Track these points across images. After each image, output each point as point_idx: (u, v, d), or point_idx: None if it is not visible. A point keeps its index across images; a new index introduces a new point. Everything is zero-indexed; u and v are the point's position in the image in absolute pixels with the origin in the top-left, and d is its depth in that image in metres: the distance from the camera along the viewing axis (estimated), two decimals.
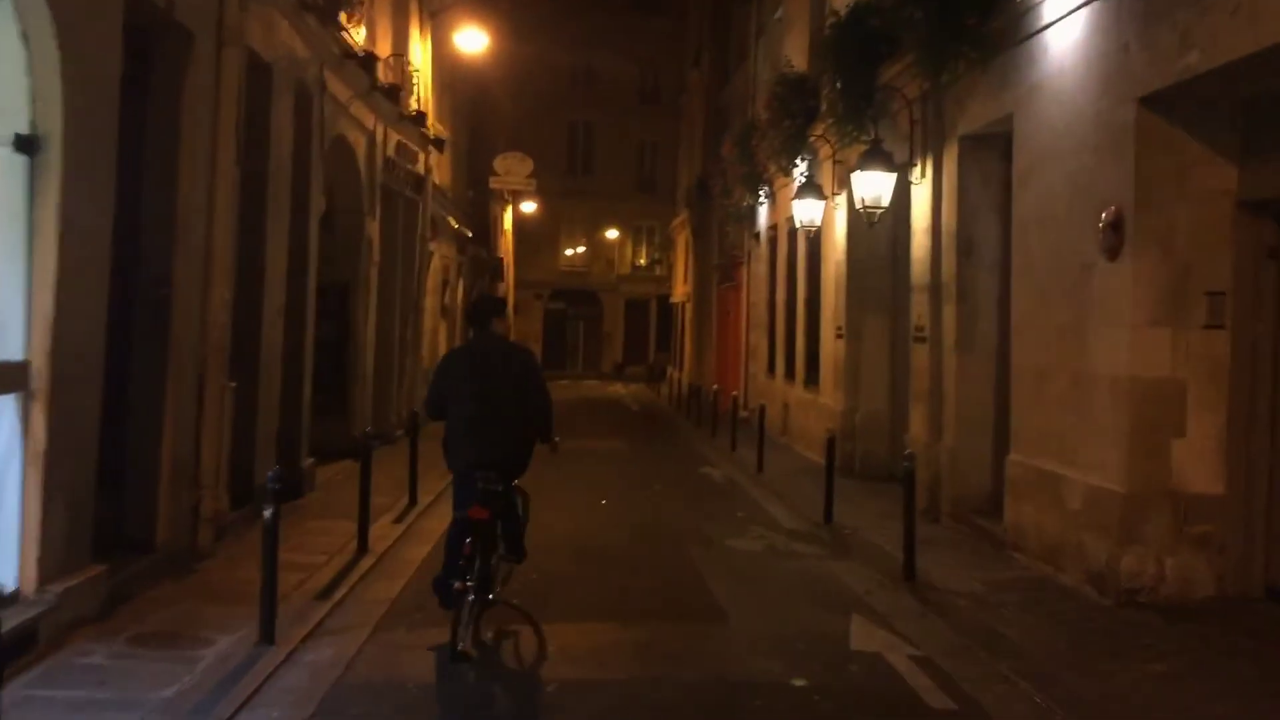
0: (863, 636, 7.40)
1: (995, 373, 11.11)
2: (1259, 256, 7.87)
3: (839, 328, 15.91)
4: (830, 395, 16.51)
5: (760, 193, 21.95)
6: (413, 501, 12.03)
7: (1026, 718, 6.00)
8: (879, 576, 9.07)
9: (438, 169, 22.60)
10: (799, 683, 6.48)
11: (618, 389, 40.73)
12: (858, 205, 12.20)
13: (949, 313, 11.37)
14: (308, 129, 11.81)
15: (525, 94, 40.79)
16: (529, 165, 28.16)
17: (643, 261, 52.89)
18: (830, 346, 16.65)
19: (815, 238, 17.22)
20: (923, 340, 11.92)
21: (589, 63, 50.12)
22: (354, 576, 8.62)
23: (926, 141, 11.88)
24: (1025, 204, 9.69)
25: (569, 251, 52.09)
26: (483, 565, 6.90)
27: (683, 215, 39.11)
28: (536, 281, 49.84)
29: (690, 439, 21.37)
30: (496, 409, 7.24)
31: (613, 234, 51.52)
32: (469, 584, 6.76)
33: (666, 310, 47.20)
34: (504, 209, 39.68)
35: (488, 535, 7.01)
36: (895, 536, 9.88)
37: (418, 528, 10.92)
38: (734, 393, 22.14)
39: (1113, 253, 8.05)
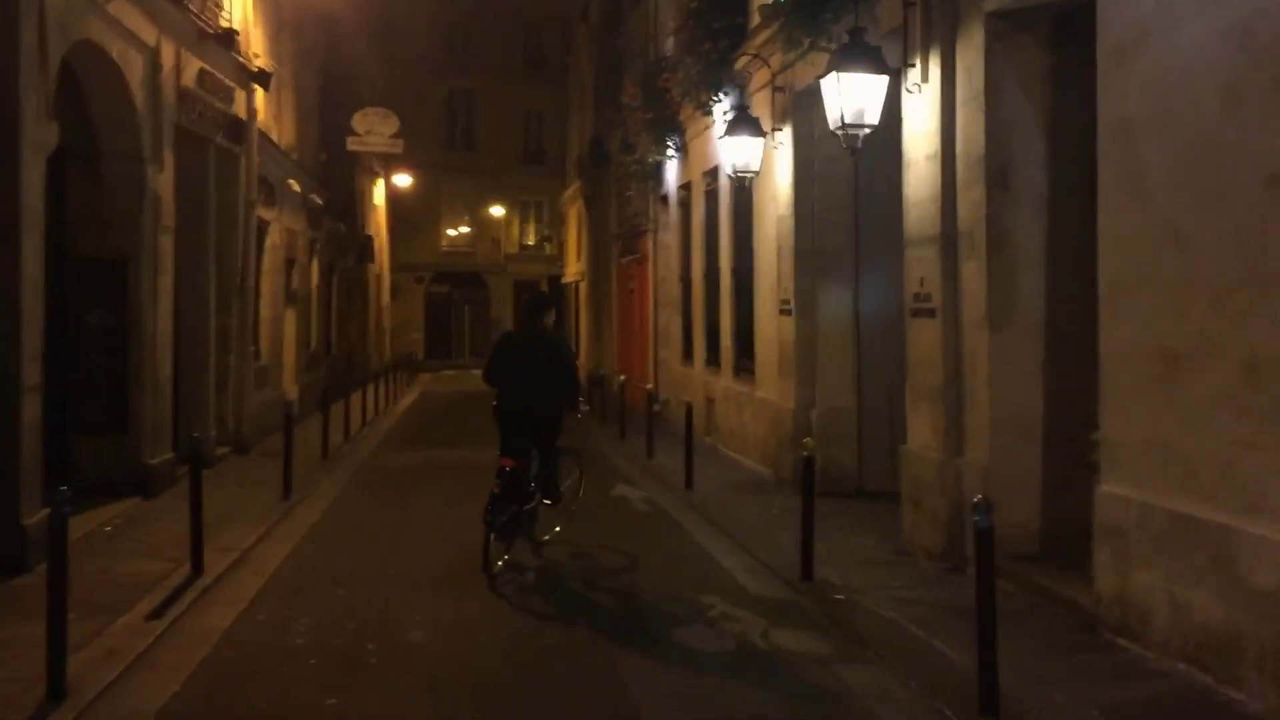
0: None
1: (1045, 357, 7.70)
2: None
3: (784, 302, 12.39)
4: (772, 387, 13.01)
5: (670, 144, 18.34)
6: (196, 570, 8.12)
7: None
8: (934, 704, 5.52)
9: (278, 125, 18.49)
10: None
11: None
12: (833, 125, 8.64)
13: (972, 273, 7.90)
14: (12, 19, 7.81)
15: (397, 59, 36.49)
16: (394, 123, 24.12)
17: (531, 240, 48.97)
18: (770, 326, 13.14)
19: (746, 190, 13.67)
20: (927, 314, 8.43)
21: (467, 25, 45.93)
22: None
23: (928, 30, 8.36)
24: (1127, 94, 6.20)
25: (451, 231, 47.88)
26: (517, 507, 8.76)
27: (574, 186, 35.36)
28: (416, 264, 45.58)
29: (596, 442, 17.66)
30: (534, 383, 9.00)
31: (498, 211, 47.46)
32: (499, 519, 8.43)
33: (559, 292, 43.42)
34: (373, 182, 35.39)
35: (516, 481, 8.70)
36: (912, 601, 7.11)
37: (189, 627, 7.01)
38: (647, 385, 18.52)
39: None
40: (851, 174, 11.77)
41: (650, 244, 21.33)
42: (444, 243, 47.60)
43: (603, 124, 26.72)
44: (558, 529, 9.74)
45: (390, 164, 35.35)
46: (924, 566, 8.32)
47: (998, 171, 7.70)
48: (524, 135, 47.74)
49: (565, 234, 40.38)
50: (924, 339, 8.51)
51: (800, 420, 11.99)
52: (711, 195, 16.61)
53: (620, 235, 25.00)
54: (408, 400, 27.49)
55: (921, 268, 8.56)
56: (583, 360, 31.70)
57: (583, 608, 7.74)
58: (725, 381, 15.58)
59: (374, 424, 20.75)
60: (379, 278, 36.67)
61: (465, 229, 47.88)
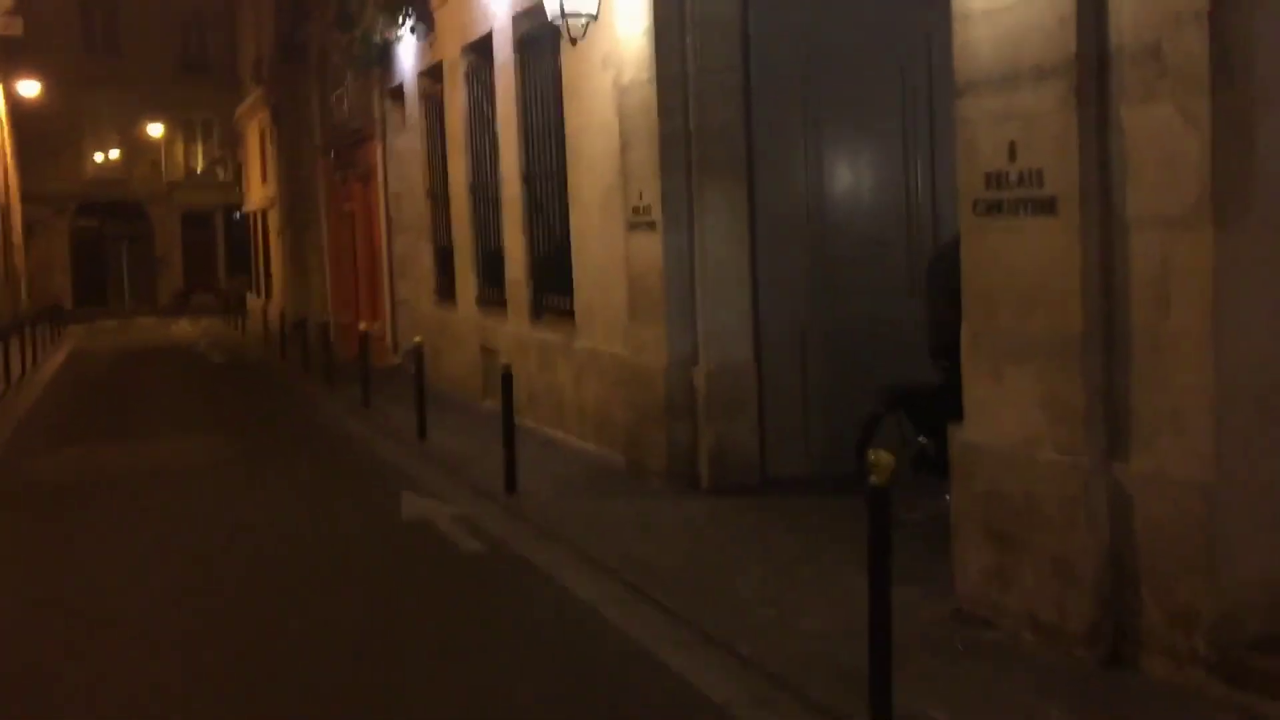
0: None
1: None
2: None
3: (638, 211, 8.47)
4: (615, 335, 9.11)
5: (405, 15, 13.84)
6: None
7: None
8: None
9: None
10: None
11: (185, 329, 30.76)
12: None
13: (1154, 127, 4.29)
14: None
15: None
16: None
17: (200, 164, 42.14)
18: (607, 248, 9.21)
19: (551, 58, 9.62)
20: (1036, 207, 4.76)
21: None
22: None
23: None
24: None
25: (99, 155, 40.33)
26: None
27: (254, 95, 29.60)
28: (56, 194, 37.99)
29: (336, 417, 13.13)
30: None
31: (156, 130, 40.34)
32: None
33: (240, 223, 37.32)
34: None
35: None
36: None
37: None
38: (379, 332, 14.10)
39: None
40: (739, 11, 7.96)
41: (378, 153, 16.70)
42: (90, 169, 40.09)
43: (296, 10, 21.48)
44: None
45: (10, 65, 28.28)
46: (1042, 654, 4.76)
47: None
48: (183, 41, 40.78)
49: (244, 156, 34.35)
50: (1028, 251, 4.84)
51: (677, 383, 8.17)
52: (478, 76, 12.33)
53: (330, 147, 20.06)
54: (53, 363, 21.48)
55: (1011, 128, 4.86)
56: (276, 299, 26.53)
57: None
58: (515, 327, 11.51)
59: (4, 402, 15.19)
60: (4, 210, 29.52)
61: (116, 152, 40.47)
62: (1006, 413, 5.02)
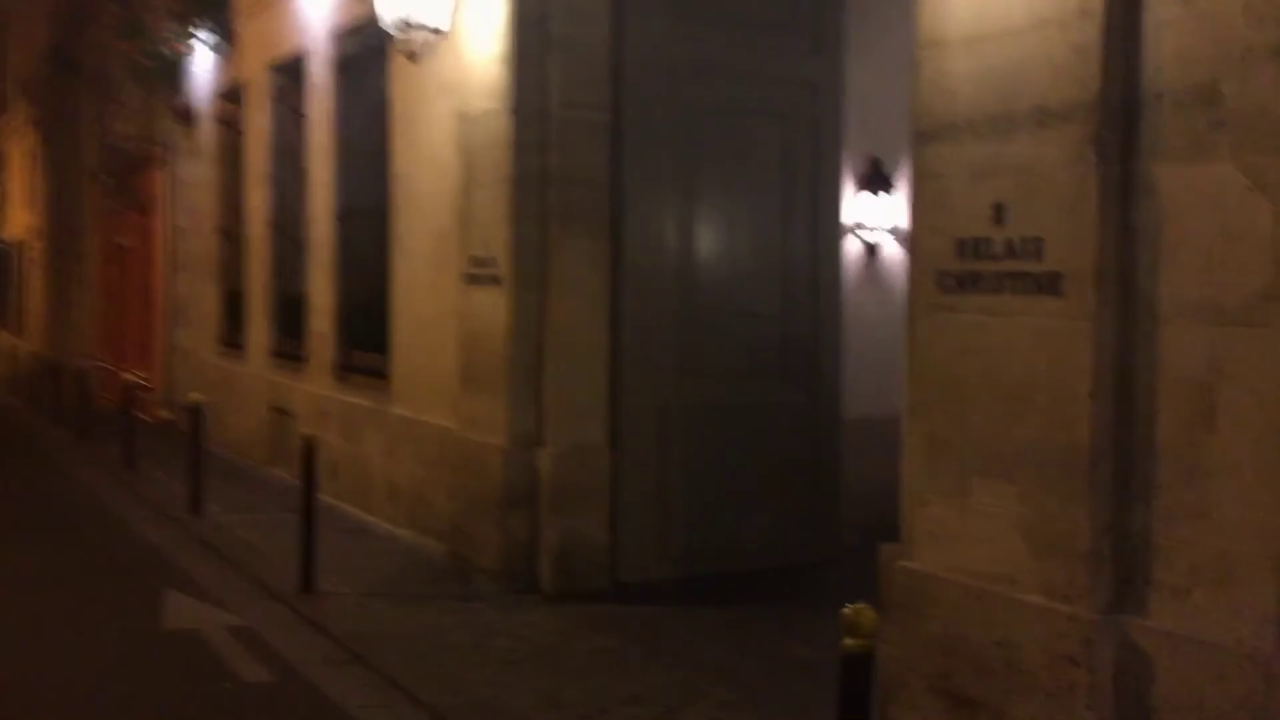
0: None
1: None
2: None
3: (479, 263, 7.19)
4: (442, 406, 7.76)
5: (203, 29, 12.23)
6: None
7: None
8: None
9: None
10: None
11: None
12: None
13: (1223, 186, 3.37)
14: None
15: None
16: None
17: None
18: (436, 303, 7.89)
19: (378, 81, 8.34)
20: (1034, 285, 3.78)
21: None
22: None
23: None
24: None
25: None
26: None
27: (21, 113, 26.73)
28: None
29: (90, 482, 11.14)
30: None
31: None
32: None
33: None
34: None
35: None
36: None
37: None
38: (148, 384, 12.22)
39: None
40: (611, 44, 6.88)
41: (162, 181, 14.79)
42: None
43: (73, 16, 19.25)
44: None
45: None
46: None
47: None
48: None
49: (7, 178, 31.05)
50: (1017, 339, 3.84)
51: (516, 466, 6.89)
52: (287, 99, 10.83)
53: (104, 171, 17.85)
54: None
55: (999, 185, 3.89)
56: (35, 337, 23.73)
57: None
58: (316, 387, 9.97)
59: None
60: None
61: None
62: (973, 539, 3.99)
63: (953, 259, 4.04)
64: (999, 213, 3.88)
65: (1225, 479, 3.33)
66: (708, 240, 7.26)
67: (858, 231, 8.01)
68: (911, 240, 4.34)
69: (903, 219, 8.10)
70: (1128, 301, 3.57)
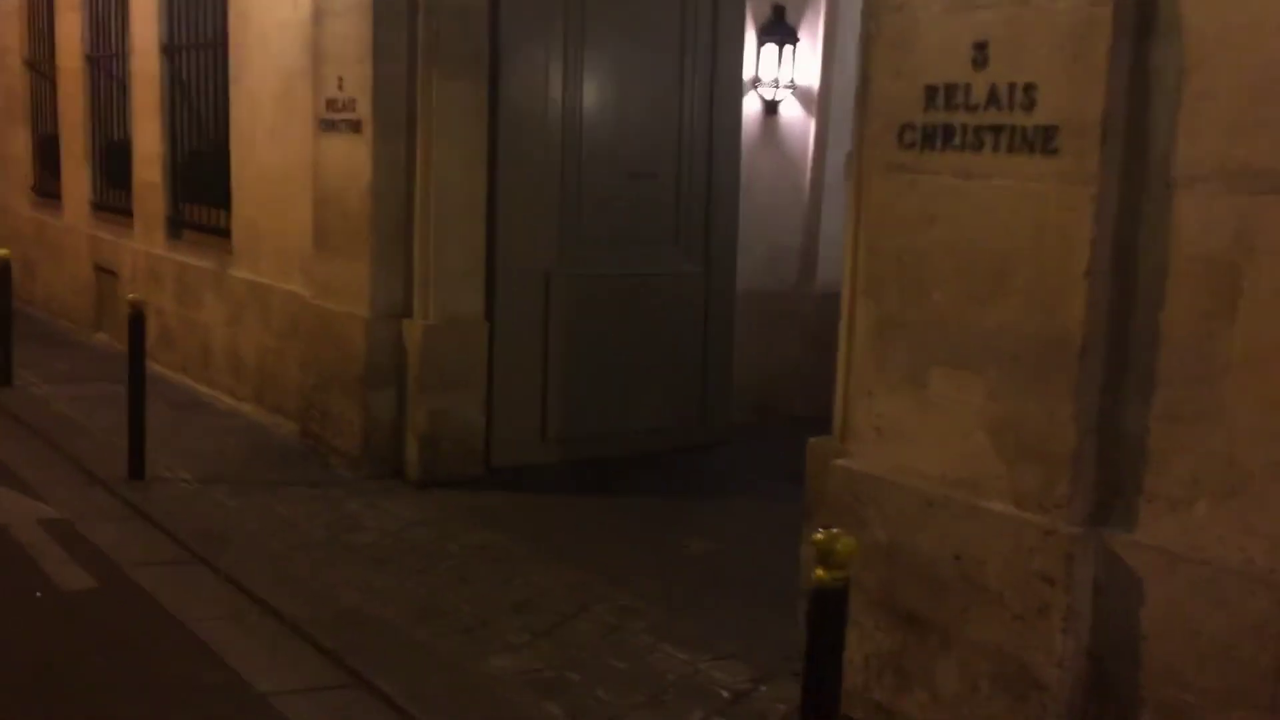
0: None
1: None
2: None
3: (335, 102, 6.27)
4: (292, 269, 6.90)
5: None
6: None
7: None
8: None
9: None
10: None
11: None
12: None
13: (1264, 25, 2.81)
14: None
15: None
16: None
17: None
18: (282, 153, 6.94)
19: None
20: (1001, 140, 3.19)
21: None
22: None
23: None
24: None
25: None
26: None
27: None
28: None
29: None
30: None
31: None
32: None
33: None
34: None
35: None
36: None
37: None
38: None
39: None
40: None
41: None
42: None
43: None
44: None
45: None
46: None
47: None
48: None
49: None
50: (997, 205, 3.26)
51: (381, 339, 6.13)
52: None
53: None
54: None
55: (982, 20, 3.25)
56: None
57: None
58: (145, 244, 8.89)
59: None
60: None
61: None
62: (929, 438, 3.46)
63: (919, 109, 3.41)
64: (980, 53, 3.25)
65: (1244, 375, 2.85)
66: (597, 90, 6.49)
67: (756, 88, 7.31)
68: (863, 87, 3.69)
69: (806, 74, 7.45)
70: (1137, 163, 3.01)
